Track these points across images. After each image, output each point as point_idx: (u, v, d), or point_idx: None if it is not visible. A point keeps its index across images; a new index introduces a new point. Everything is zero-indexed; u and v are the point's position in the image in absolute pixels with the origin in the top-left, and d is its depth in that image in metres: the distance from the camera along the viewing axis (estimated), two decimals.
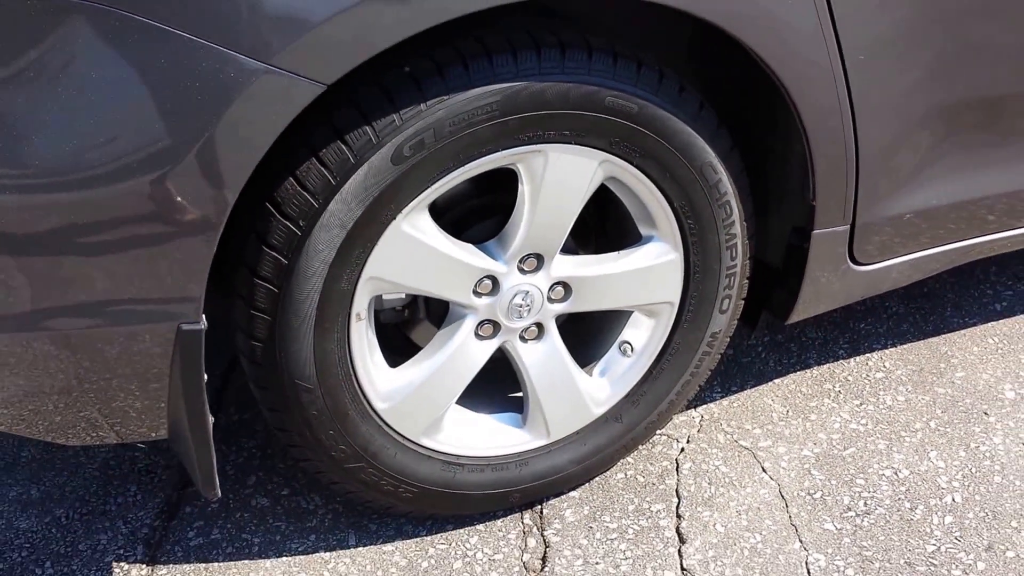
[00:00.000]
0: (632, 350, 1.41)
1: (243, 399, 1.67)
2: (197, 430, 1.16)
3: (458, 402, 1.37)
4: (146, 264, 1.02)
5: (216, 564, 1.43)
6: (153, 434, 1.20)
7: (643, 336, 1.40)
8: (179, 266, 1.03)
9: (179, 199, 1.00)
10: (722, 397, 1.70)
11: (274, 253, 1.11)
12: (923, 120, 1.33)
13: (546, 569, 1.41)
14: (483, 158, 1.14)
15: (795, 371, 1.76)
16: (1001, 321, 1.88)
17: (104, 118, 0.96)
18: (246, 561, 1.43)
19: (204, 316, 1.08)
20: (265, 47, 0.94)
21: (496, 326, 1.30)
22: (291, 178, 1.08)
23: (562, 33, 1.13)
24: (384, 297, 1.28)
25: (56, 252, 1.00)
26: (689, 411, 1.67)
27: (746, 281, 1.40)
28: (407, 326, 1.37)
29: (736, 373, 1.76)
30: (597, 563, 1.41)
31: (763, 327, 1.83)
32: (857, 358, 1.79)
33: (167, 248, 1.01)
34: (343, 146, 1.07)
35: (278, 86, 0.96)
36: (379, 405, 1.27)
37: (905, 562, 1.40)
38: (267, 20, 0.95)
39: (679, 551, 1.43)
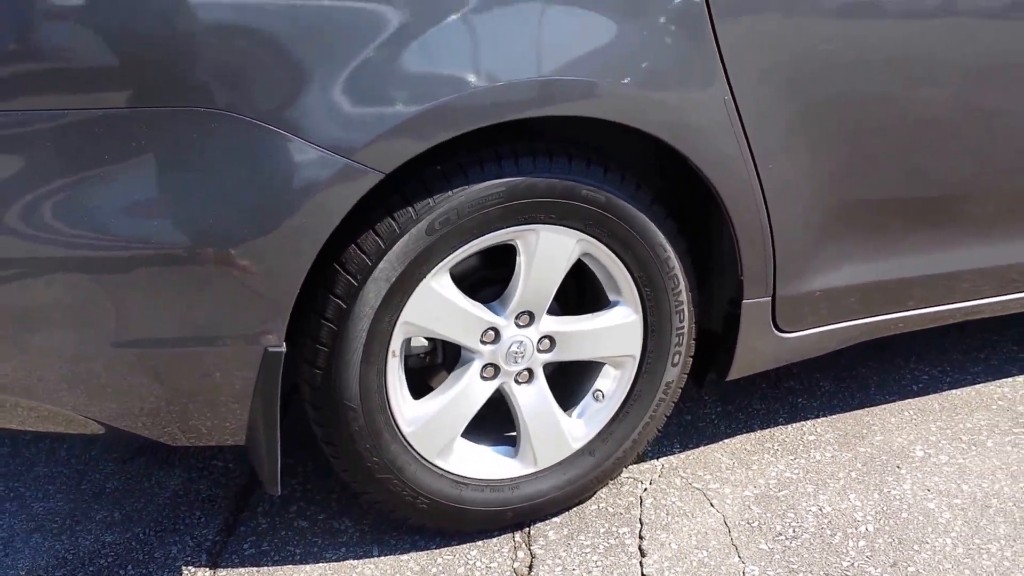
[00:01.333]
0: (603, 396, 1.79)
1: (285, 447, 2.02)
2: (269, 437, 1.52)
3: (466, 436, 1.73)
4: (250, 300, 1.40)
5: (266, 568, 1.75)
6: (231, 440, 1.56)
7: (612, 385, 1.78)
8: (272, 304, 1.42)
9: (276, 256, 1.39)
10: (680, 452, 2.06)
11: (337, 300, 1.50)
12: (825, 216, 1.74)
13: (532, 573, 1.74)
14: (491, 233, 1.54)
15: (742, 434, 2.13)
16: (916, 399, 2.26)
17: (225, 191, 1.36)
18: (290, 566, 1.75)
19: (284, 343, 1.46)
20: (348, 145, 1.36)
21: (496, 369, 1.68)
22: (353, 244, 1.48)
23: (551, 145, 1.55)
24: (412, 343, 1.67)
25: (188, 290, 1.38)
26: (652, 461, 2.02)
27: (693, 341, 1.79)
28: (426, 371, 1.74)
29: (693, 434, 2.12)
30: (574, 570, 1.74)
31: (709, 383, 2.17)
32: (794, 424, 2.16)
33: (266, 288, 1.40)
34: (391, 220, 1.48)
35: (354, 174, 1.37)
36: (405, 428, 1.64)
37: (824, 574, 1.74)
38: (351, 125, 1.36)
39: (640, 563, 1.76)
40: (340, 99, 1.35)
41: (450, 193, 1.49)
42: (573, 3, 1.44)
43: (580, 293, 1.77)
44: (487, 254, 1.63)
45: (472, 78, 1.39)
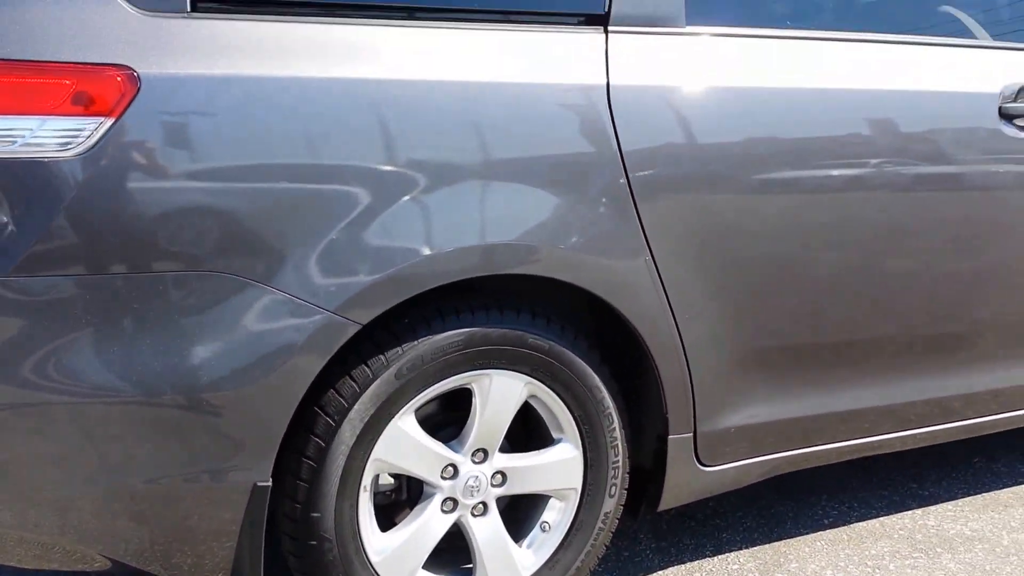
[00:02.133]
0: (549, 527, 1.97)
1: None
2: (253, 568, 1.67)
3: (426, 568, 1.89)
4: (244, 439, 1.59)
5: None
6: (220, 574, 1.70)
7: (557, 516, 1.97)
8: (263, 443, 1.61)
9: (269, 399, 1.59)
10: None
11: (317, 439, 1.69)
12: (737, 361, 2.01)
13: None
14: (451, 377, 1.77)
15: (673, 566, 2.32)
16: (828, 530, 2.49)
17: (223, 344, 1.57)
18: None
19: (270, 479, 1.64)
20: (332, 301, 1.59)
21: (455, 503, 1.87)
22: (332, 389, 1.69)
23: (502, 299, 1.81)
24: (379, 480, 1.85)
25: (182, 434, 1.57)
26: None
27: (627, 474, 2.01)
28: (391, 507, 1.92)
29: (630, 568, 2.30)
30: None
31: (643, 515, 2.36)
32: (719, 556, 2.36)
33: (259, 428, 1.59)
34: (365, 366, 1.70)
35: (337, 325, 1.60)
36: (374, 558, 1.80)
37: None
38: (336, 285, 1.60)
39: None
40: (325, 263, 1.59)
41: (416, 342, 1.72)
42: (522, 181, 1.73)
43: (527, 428, 1.98)
44: (445, 397, 1.85)
45: (433, 245, 1.66)
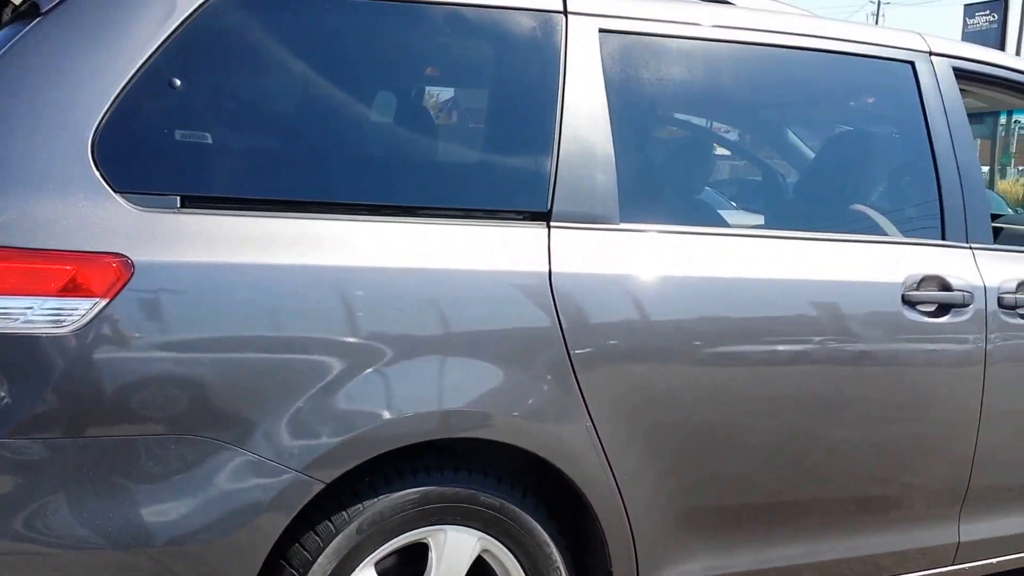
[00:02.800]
0: None
1: None
2: None
3: None
4: None
5: None
6: None
7: None
8: None
9: (237, 554, 1.75)
10: None
11: None
12: (676, 518, 2.17)
13: None
14: (409, 532, 1.92)
15: None
16: None
17: (199, 500, 1.73)
18: None
19: None
20: (298, 462, 1.77)
21: None
22: (297, 543, 1.85)
23: (456, 460, 1.98)
24: None
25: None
26: None
27: None
28: None
29: None
30: None
31: None
32: None
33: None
34: (329, 522, 1.86)
35: (303, 484, 1.77)
36: None
37: None
38: (302, 448, 1.78)
39: None
40: (294, 427, 1.78)
41: (376, 499, 1.89)
42: (474, 356, 1.93)
43: None
44: (405, 551, 2.00)
45: (393, 410, 1.85)
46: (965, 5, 19.58)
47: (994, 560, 2.69)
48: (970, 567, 2.65)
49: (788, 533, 2.35)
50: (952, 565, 2.61)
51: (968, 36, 19.34)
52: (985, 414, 2.49)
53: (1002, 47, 18.98)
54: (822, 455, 2.34)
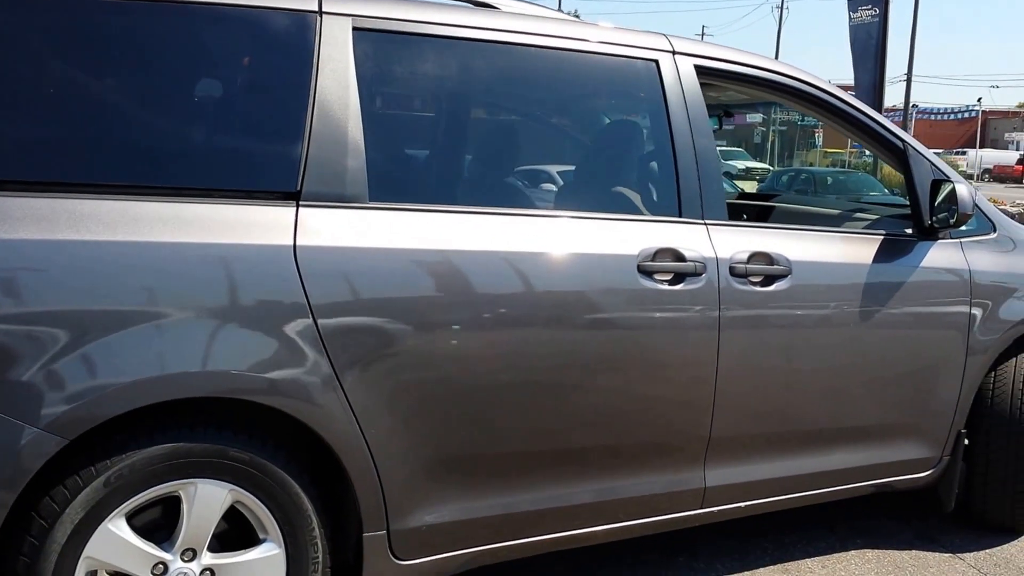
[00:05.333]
0: None
1: None
2: None
3: None
4: None
5: None
6: None
7: None
8: None
9: None
10: None
11: (32, 539, 1.99)
12: (423, 467, 2.38)
13: None
14: (159, 486, 2.09)
15: None
16: None
17: None
18: None
19: None
20: (40, 419, 1.93)
21: None
22: (47, 495, 2.01)
23: (207, 417, 2.16)
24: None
25: None
26: None
27: (328, 569, 2.33)
28: None
29: None
30: None
31: None
32: None
33: None
34: (77, 476, 2.02)
35: (45, 440, 1.93)
36: None
37: None
38: (45, 405, 1.94)
39: None
40: (33, 390, 1.94)
41: (124, 455, 2.05)
42: (229, 322, 2.11)
43: (238, 529, 2.28)
44: (165, 502, 2.16)
45: (132, 372, 2.02)
46: (848, 0, 20.27)
47: (742, 504, 2.97)
48: (719, 510, 2.93)
49: (535, 480, 2.57)
50: (700, 508, 2.88)
51: (853, 29, 20.04)
52: (722, 369, 2.76)
53: (883, 39, 19.72)
54: (567, 410, 2.57)
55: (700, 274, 2.71)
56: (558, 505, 2.62)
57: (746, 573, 3.16)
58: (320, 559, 2.31)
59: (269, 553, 2.25)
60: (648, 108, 2.91)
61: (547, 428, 2.56)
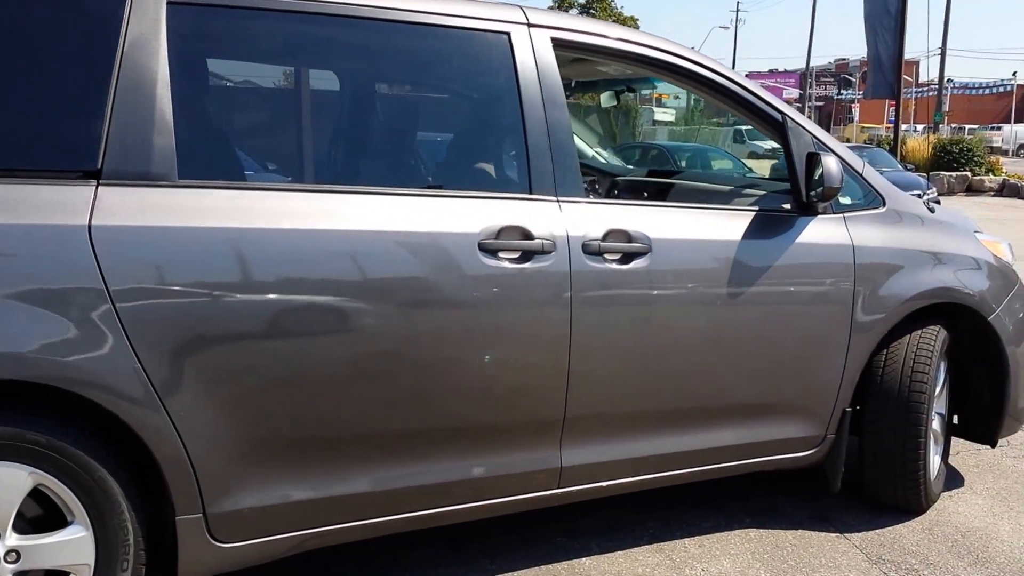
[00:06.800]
0: None
1: None
2: None
3: None
4: None
5: None
6: None
7: None
8: None
9: None
10: None
11: None
12: (240, 451, 2.36)
13: None
14: None
15: None
16: None
17: None
18: None
19: None
20: None
21: None
22: None
23: (7, 401, 2.15)
24: None
25: None
26: None
27: (141, 551, 2.33)
28: None
29: None
30: None
31: None
32: None
33: None
34: None
35: None
36: None
37: None
38: None
39: None
40: None
41: None
42: (15, 302, 2.10)
43: (45, 512, 2.28)
44: None
45: None
46: None
47: (604, 484, 2.93)
48: (578, 490, 2.89)
49: (373, 463, 2.55)
50: (557, 488, 2.85)
51: (868, 1, 19.67)
52: (576, 349, 2.72)
53: (903, 9, 19.32)
54: (400, 394, 2.54)
55: (549, 252, 2.67)
56: (399, 487, 2.60)
57: (619, 552, 3.12)
58: (131, 542, 2.31)
59: (76, 535, 2.26)
60: (499, 82, 2.85)
61: (379, 413, 2.54)
